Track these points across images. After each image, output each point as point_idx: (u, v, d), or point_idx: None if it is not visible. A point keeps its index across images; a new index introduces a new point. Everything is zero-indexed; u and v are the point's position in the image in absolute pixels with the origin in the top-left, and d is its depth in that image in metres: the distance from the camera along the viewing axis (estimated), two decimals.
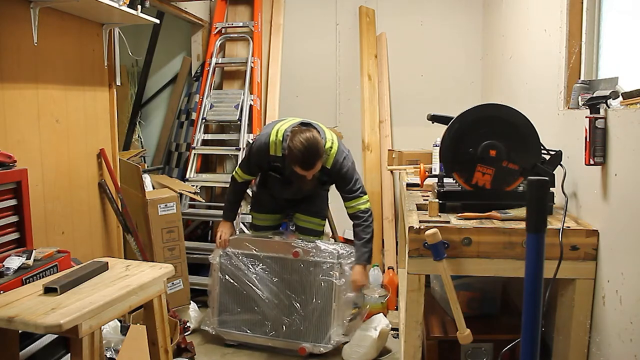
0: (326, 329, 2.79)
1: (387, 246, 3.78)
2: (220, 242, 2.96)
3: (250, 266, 2.89)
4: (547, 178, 1.26)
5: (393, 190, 3.90)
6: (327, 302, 2.78)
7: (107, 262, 1.95)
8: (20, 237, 2.08)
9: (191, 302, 3.32)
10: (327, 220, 3.33)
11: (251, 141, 3.13)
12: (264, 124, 3.88)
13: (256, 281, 2.87)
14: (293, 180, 2.78)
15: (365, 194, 2.82)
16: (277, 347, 2.86)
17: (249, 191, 3.58)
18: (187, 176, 3.83)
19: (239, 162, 3.30)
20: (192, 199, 3.84)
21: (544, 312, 1.33)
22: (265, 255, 2.88)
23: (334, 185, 2.91)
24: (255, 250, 2.90)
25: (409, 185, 2.79)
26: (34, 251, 2.00)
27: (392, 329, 3.02)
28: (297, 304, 2.82)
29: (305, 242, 2.84)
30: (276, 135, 2.73)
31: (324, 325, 2.79)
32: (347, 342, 2.82)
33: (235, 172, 2.99)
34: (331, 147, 2.71)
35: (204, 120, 3.93)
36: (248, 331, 2.91)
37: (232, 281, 2.92)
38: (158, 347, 1.95)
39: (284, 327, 2.84)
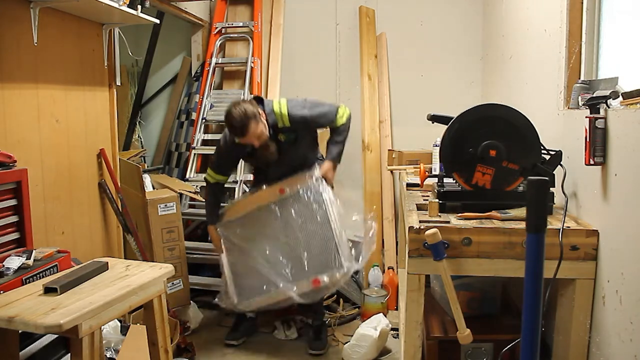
0: (335, 254, 2.64)
1: (387, 246, 3.78)
2: (217, 248, 2.94)
3: (247, 225, 2.83)
4: (547, 178, 1.26)
5: (393, 190, 3.90)
6: (326, 225, 2.68)
7: (107, 262, 1.95)
8: (20, 237, 2.08)
9: (191, 302, 3.32)
10: None
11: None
12: None
13: (257, 237, 2.80)
14: (262, 157, 2.82)
15: (339, 107, 2.82)
16: (295, 296, 2.68)
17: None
18: (187, 176, 3.83)
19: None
20: (192, 199, 3.84)
21: (544, 312, 1.33)
22: (258, 207, 2.82)
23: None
24: (247, 208, 2.84)
25: (409, 185, 2.79)
26: (34, 251, 2.00)
27: (392, 329, 3.02)
28: (301, 240, 2.70)
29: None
30: None
31: (332, 251, 2.65)
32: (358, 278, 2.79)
33: (207, 174, 2.96)
34: (280, 108, 2.74)
35: (204, 120, 3.93)
36: (264, 291, 2.75)
37: (236, 250, 2.85)
38: (158, 347, 1.95)
39: (294, 269, 2.70)
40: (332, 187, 2.79)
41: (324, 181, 2.75)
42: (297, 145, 2.84)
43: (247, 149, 2.78)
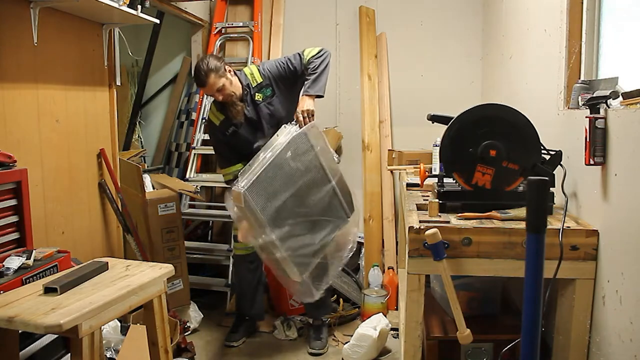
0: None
1: (387, 246, 3.78)
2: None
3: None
4: (547, 178, 1.26)
5: (393, 190, 3.90)
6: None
7: (107, 262, 1.95)
8: (20, 237, 2.08)
9: (191, 302, 3.32)
10: None
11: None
12: None
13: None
14: (246, 133, 2.82)
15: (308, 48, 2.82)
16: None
17: None
18: (187, 176, 3.83)
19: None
20: (192, 199, 3.85)
21: (544, 312, 1.33)
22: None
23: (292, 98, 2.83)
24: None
25: (409, 185, 2.79)
26: (34, 251, 2.00)
27: (392, 329, 3.02)
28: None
29: None
30: (209, 109, 2.94)
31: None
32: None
33: (223, 175, 2.96)
34: (250, 69, 2.86)
35: (204, 120, 3.93)
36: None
37: None
38: (158, 347, 1.95)
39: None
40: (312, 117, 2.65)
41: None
42: (276, 103, 2.80)
43: (229, 129, 2.82)
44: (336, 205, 2.70)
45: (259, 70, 2.83)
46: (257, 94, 2.80)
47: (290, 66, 2.79)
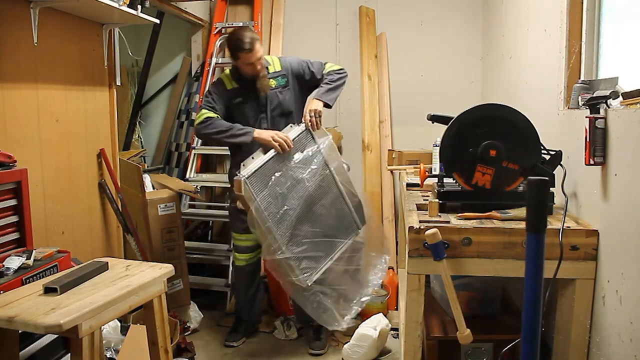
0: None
1: (387, 246, 3.78)
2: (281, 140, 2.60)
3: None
4: (547, 178, 1.26)
5: (393, 190, 3.90)
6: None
7: (107, 262, 1.95)
8: (20, 237, 2.08)
9: (191, 302, 3.32)
10: None
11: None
12: None
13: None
14: (249, 110, 2.82)
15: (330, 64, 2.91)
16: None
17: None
18: (187, 176, 3.82)
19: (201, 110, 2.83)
20: (192, 199, 3.84)
21: (544, 312, 1.33)
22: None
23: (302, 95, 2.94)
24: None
25: (409, 185, 2.79)
26: (34, 251, 2.00)
27: (392, 329, 3.02)
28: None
29: None
30: (223, 72, 2.95)
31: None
32: None
33: (200, 115, 2.74)
34: (271, 57, 2.94)
35: None
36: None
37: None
38: (158, 347, 1.95)
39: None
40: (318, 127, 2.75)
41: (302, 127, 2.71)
42: (287, 95, 2.86)
43: (236, 98, 2.82)
44: (344, 213, 2.80)
45: (279, 60, 2.91)
46: (272, 80, 2.85)
47: (311, 67, 2.88)
